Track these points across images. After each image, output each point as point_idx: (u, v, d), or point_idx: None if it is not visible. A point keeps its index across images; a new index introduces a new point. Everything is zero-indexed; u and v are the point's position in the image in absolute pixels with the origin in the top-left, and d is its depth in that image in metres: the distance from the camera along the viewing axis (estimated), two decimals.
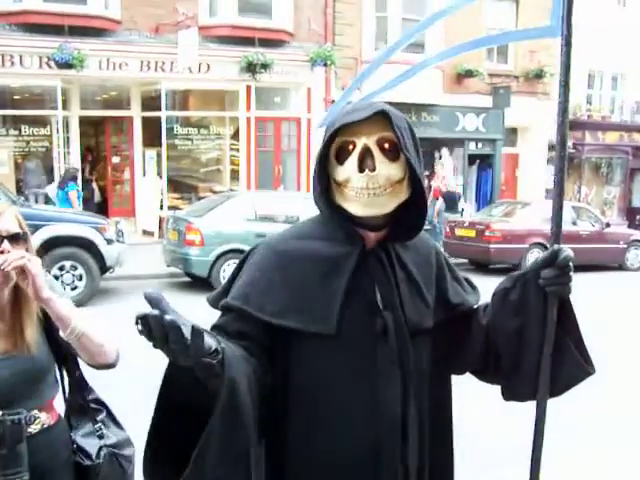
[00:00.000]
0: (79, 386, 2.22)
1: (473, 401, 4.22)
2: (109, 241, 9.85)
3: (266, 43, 15.76)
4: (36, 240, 8.95)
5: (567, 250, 1.60)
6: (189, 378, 1.36)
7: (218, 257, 10.86)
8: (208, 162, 17.48)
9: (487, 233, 13.83)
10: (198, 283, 11.33)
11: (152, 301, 1.23)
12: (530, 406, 1.77)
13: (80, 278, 9.54)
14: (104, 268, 9.94)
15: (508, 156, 20.30)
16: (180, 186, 17.00)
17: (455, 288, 1.81)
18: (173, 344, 1.21)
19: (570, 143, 20.99)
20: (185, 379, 1.37)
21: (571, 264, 1.61)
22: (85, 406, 2.21)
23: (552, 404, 1.74)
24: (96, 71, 14.42)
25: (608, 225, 15.37)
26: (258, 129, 16.81)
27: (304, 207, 11.72)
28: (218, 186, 16.91)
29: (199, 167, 17.37)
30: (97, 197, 16.76)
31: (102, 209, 15.62)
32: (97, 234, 9.70)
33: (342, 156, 1.60)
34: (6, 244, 1.94)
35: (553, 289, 1.62)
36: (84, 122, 15.92)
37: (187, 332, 1.22)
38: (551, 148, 20.72)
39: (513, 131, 20.50)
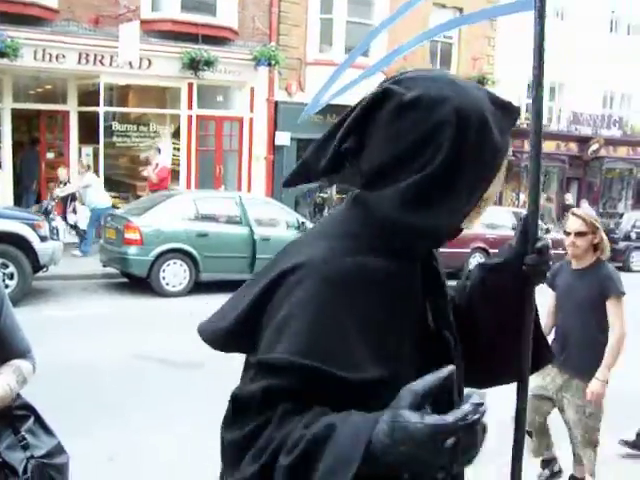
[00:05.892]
0: None
1: None
2: (43, 238, 9.36)
3: (209, 40, 15.39)
4: None
5: (546, 239, 1.59)
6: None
7: (158, 256, 10.54)
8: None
9: None
10: (135, 283, 10.98)
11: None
12: None
13: (11, 277, 9.01)
14: (37, 267, 9.45)
15: None
16: (117, 184, 16.45)
17: None
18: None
19: (510, 151, 21.28)
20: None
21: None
22: (8, 414, 1.95)
23: None
24: (31, 61, 13.75)
25: (548, 231, 15.58)
26: (199, 128, 16.48)
27: (246, 207, 11.56)
28: None
29: (137, 165, 16.82)
30: None
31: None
32: (31, 231, 9.21)
33: None
34: None
35: (535, 275, 1.59)
36: (17, 115, 15.23)
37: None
38: None
39: None
